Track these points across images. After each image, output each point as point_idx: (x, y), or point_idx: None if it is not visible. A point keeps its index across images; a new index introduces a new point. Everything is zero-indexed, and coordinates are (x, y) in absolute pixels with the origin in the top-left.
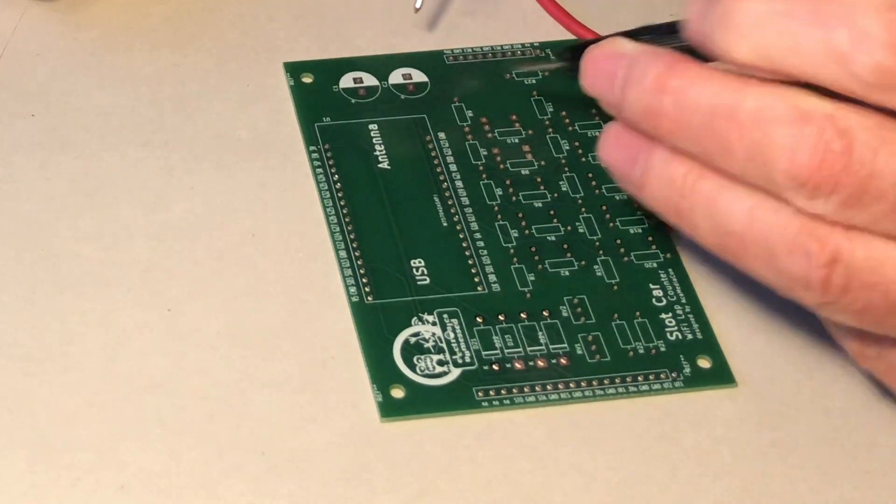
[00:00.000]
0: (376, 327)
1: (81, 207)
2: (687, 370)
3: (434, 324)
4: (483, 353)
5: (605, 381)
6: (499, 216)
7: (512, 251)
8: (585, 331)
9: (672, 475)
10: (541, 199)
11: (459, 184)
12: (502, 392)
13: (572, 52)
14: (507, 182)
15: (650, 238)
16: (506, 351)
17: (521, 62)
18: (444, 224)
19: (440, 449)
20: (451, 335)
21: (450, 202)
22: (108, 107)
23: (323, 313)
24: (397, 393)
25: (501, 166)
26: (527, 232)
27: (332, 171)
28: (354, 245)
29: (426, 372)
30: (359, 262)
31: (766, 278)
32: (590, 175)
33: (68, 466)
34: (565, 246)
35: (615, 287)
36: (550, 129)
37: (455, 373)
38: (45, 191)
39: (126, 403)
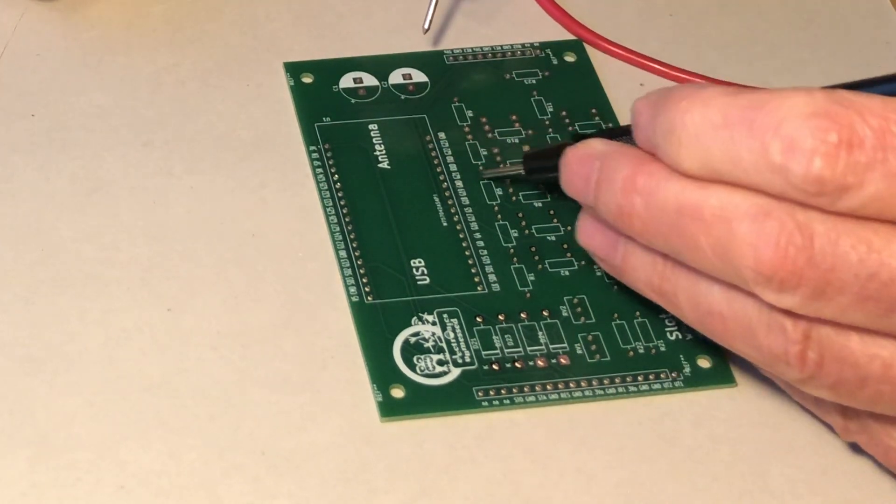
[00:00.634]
0: (376, 327)
1: (81, 207)
2: (687, 370)
3: (434, 324)
4: (483, 352)
5: (605, 381)
6: (499, 216)
7: (512, 251)
8: (585, 330)
9: (672, 475)
10: (541, 199)
11: (459, 184)
12: (502, 392)
13: (527, 159)
14: (507, 182)
15: None
16: (506, 351)
17: (488, 167)
18: (444, 224)
19: (440, 449)
20: (451, 335)
21: (450, 202)
22: (108, 107)
23: (323, 313)
24: (397, 393)
25: (502, 166)
26: (527, 232)
27: (332, 171)
28: (354, 245)
29: (426, 372)
30: (359, 262)
31: (750, 356)
32: None
33: (68, 466)
34: (565, 246)
35: (615, 287)
36: (550, 129)
37: (455, 373)
38: (45, 191)
39: (126, 403)
